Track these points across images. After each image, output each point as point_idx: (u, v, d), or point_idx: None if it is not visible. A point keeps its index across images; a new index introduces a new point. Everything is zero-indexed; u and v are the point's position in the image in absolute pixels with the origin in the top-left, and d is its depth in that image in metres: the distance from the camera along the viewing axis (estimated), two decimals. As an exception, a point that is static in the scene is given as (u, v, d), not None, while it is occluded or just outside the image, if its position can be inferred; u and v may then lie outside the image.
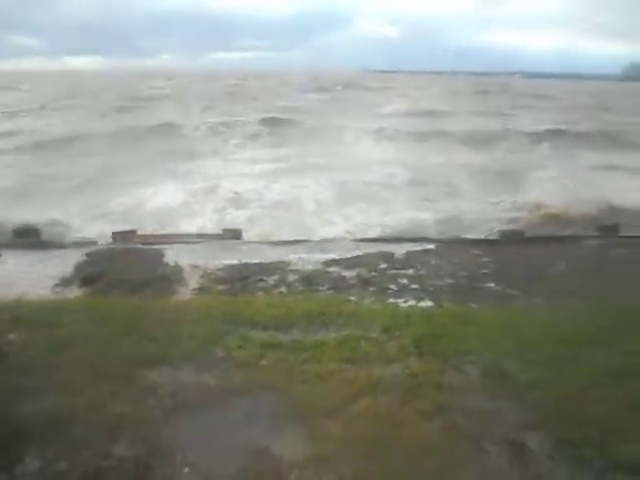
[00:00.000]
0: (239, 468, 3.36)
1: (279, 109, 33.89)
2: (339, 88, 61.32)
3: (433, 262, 8.28)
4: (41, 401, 4.01)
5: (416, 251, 8.86)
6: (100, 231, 10.41)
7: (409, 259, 8.39)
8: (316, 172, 17.26)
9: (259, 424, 3.83)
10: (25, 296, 6.23)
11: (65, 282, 7.28)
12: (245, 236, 10.15)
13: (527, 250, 8.90)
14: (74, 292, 6.95)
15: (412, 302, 6.58)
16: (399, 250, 8.85)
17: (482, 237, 10.20)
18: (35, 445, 3.53)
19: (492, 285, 7.24)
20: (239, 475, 3.30)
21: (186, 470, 3.35)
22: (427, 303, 6.57)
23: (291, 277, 7.51)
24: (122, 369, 4.46)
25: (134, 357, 4.66)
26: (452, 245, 9.52)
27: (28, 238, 9.54)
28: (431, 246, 9.23)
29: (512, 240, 9.48)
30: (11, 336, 5.09)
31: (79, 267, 7.80)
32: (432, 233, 10.80)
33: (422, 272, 7.73)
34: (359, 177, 16.65)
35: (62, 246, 9.22)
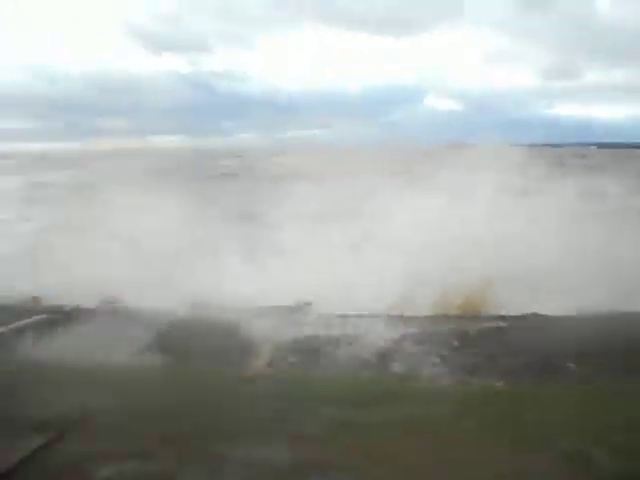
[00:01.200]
0: None
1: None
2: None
3: (507, 340, 8.04)
4: (117, 466, 4.17)
5: (490, 328, 8.66)
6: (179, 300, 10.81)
7: (482, 337, 8.20)
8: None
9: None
10: (110, 360, 6.60)
11: (146, 349, 7.63)
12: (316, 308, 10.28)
13: (602, 326, 8.42)
14: (155, 359, 7.24)
15: (485, 381, 6.40)
16: (471, 327, 8.69)
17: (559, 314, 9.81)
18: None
19: (570, 365, 6.93)
20: None
21: None
22: (500, 382, 6.36)
23: (364, 354, 7.50)
24: (195, 438, 4.57)
25: (206, 427, 4.77)
26: (527, 321, 9.25)
27: (113, 305, 10.12)
28: (505, 324, 9.00)
29: (587, 316, 9.05)
30: (94, 399, 5.34)
31: (160, 335, 8.16)
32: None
33: (495, 350, 7.52)
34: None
35: (144, 314, 9.66)
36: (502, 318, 9.53)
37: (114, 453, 4.34)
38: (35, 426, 4.74)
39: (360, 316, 9.56)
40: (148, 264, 13.30)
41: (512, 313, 9.95)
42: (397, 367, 6.92)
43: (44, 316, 9.31)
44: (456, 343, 7.79)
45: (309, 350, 7.51)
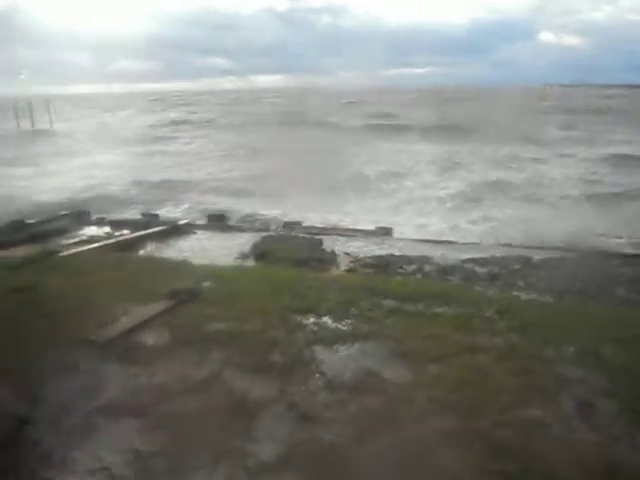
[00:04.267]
0: (355, 380, 4.56)
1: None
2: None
3: (569, 268, 8.65)
4: (222, 324, 5.61)
5: (555, 258, 9.26)
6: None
7: (544, 263, 8.86)
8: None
9: (376, 358, 4.96)
10: (215, 261, 8.13)
11: (243, 255, 9.12)
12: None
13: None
14: (250, 263, 8.71)
15: (534, 296, 7.20)
16: (537, 256, 9.33)
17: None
18: (218, 346, 5.08)
19: (619, 291, 7.53)
20: (354, 383, 4.49)
21: (316, 375, 4.62)
22: (548, 298, 7.13)
23: (428, 268, 8.50)
24: (279, 312, 5.92)
25: (289, 306, 6.09)
26: (596, 256, 9.70)
27: (218, 222, 11.74)
28: (572, 254, 9.54)
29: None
30: (205, 284, 6.85)
31: (255, 246, 9.61)
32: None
33: (553, 274, 8.21)
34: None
35: (243, 230, 11.21)
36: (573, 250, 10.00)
37: (220, 316, 5.80)
38: (162, 296, 6.32)
39: (433, 241, 10.47)
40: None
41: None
42: (454, 279, 7.87)
43: (163, 227, 11.12)
44: (517, 266, 8.56)
45: (378, 264, 8.63)
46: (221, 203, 15.48)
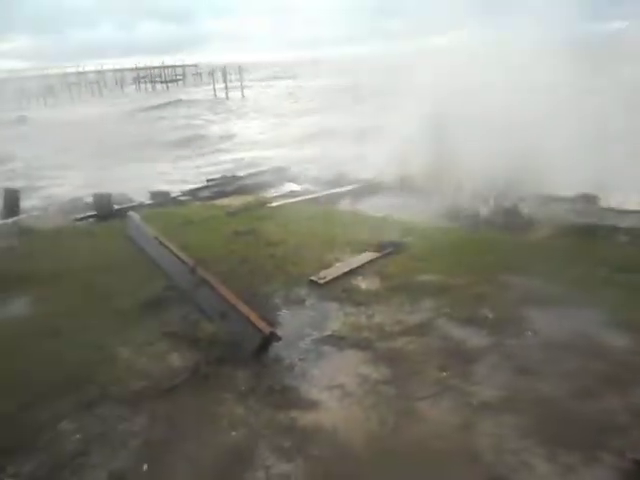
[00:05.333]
0: (570, 341, 4.51)
1: None
2: None
3: None
4: (429, 276, 5.85)
5: None
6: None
7: None
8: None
9: (591, 323, 4.83)
10: (412, 219, 8.42)
11: (439, 215, 9.22)
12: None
13: None
14: (445, 222, 8.80)
15: None
16: None
17: None
18: (428, 296, 5.34)
19: None
20: (570, 343, 4.46)
21: (529, 332, 4.66)
22: None
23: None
24: (485, 269, 5.98)
25: (494, 264, 6.12)
26: None
27: (408, 183, 11.92)
28: None
29: None
30: (406, 239, 7.12)
31: (449, 207, 9.65)
32: None
33: None
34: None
35: (433, 191, 11.22)
36: None
37: (426, 269, 6.05)
38: (370, 247, 6.74)
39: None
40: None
41: None
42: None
43: (356, 185, 11.65)
44: None
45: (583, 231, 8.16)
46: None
